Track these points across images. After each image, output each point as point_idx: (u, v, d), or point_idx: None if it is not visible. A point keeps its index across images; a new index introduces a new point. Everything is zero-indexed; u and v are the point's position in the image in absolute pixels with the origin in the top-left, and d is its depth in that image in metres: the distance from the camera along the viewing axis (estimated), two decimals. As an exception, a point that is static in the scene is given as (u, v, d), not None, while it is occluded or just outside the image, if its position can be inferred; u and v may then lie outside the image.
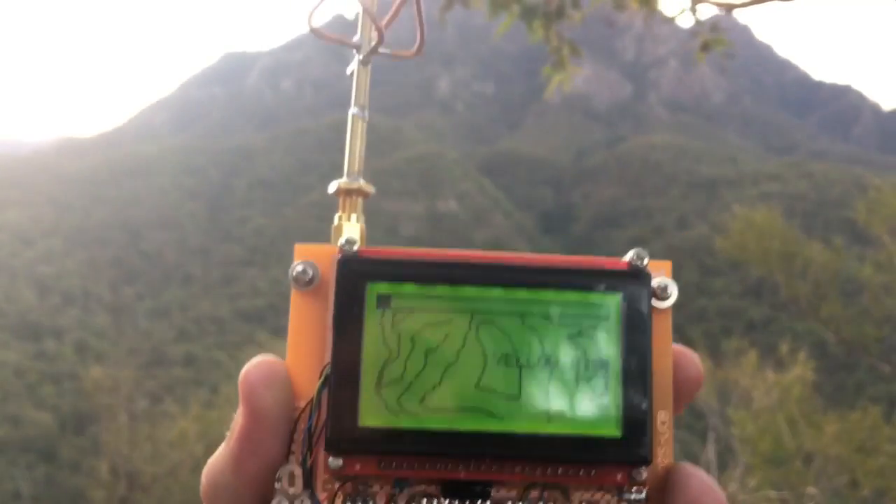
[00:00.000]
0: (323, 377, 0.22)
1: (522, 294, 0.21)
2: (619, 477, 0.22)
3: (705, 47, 2.75)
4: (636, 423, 0.21)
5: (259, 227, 59.21)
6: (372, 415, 0.21)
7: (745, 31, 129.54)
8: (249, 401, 0.23)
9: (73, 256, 53.72)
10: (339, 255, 0.23)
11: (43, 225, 56.90)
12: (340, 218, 0.26)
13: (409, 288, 0.21)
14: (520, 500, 0.21)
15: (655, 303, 0.23)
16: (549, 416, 0.21)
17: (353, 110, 0.30)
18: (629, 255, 0.23)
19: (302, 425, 0.22)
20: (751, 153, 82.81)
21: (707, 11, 2.68)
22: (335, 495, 0.22)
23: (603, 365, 0.21)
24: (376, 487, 0.21)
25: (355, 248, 0.23)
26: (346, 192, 0.27)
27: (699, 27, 2.73)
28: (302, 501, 0.21)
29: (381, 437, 0.21)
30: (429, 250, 0.24)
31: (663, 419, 0.24)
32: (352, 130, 0.30)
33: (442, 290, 0.21)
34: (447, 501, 0.21)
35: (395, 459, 0.21)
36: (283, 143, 72.64)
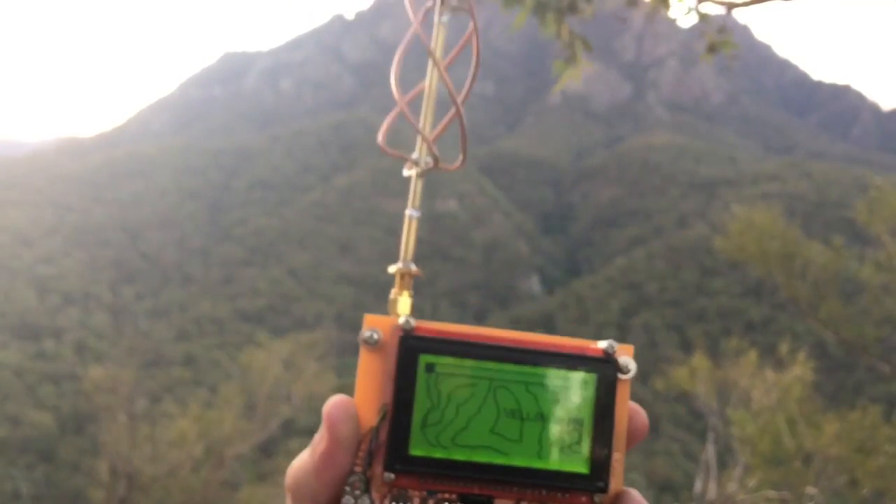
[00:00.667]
0: (382, 414, 0.32)
1: (527, 369, 0.33)
2: (584, 499, 0.33)
3: (712, 49, 2.72)
4: (599, 464, 0.32)
5: (259, 227, 59.16)
6: (417, 447, 0.32)
7: (744, 31, 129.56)
8: (331, 430, 0.32)
9: (73, 257, 53.67)
10: (401, 333, 0.33)
11: (43, 225, 56.87)
12: (396, 293, 0.36)
13: (448, 360, 0.33)
14: None
15: (620, 376, 0.34)
16: (540, 455, 0.32)
17: (409, 211, 0.39)
18: (604, 345, 0.34)
19: (364, 447, 0.32)
20: (750, 153, 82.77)
21: (710, 11, 2.65)
22: (384, 497, 0.32)
23: (580, 422, 0.32)
24: (413, 494, 0.32)
25: (412, 325, 0.33)
26: (401, 275, 0.37)
27: (705, 26, 2.70)
28: (362, 500, 0.32)
29: (423, 462, 0.32)
30: (467, 329, 0.35)
31: (617, 458, 0.33)
32: (407, 228, 0.38)
33: (470, 363, 0.33)
34: None
35: (430, 477, 0.32)
36: (283, 144, 72.59)
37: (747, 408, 8.21)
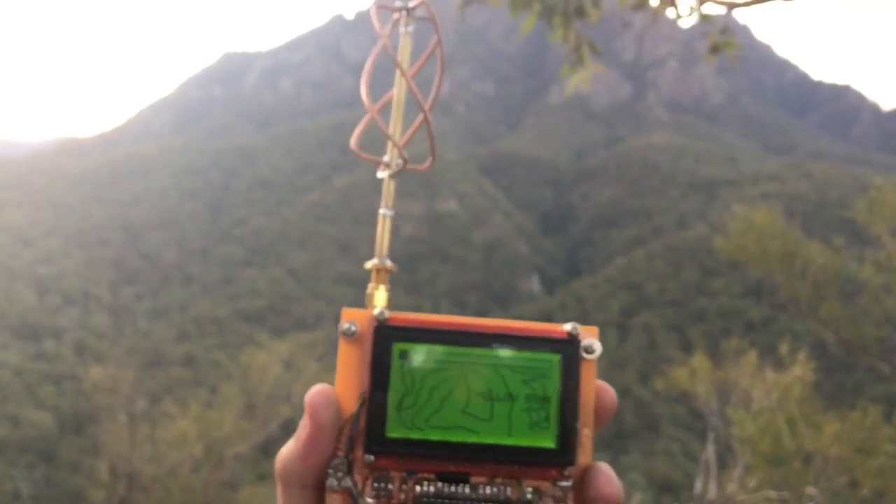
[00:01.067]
0: (361, 401, 0.35)
1: (495, 352, 0.35)
2: (554, 472, 0.35)
3: (715, 49, 2.70)
4: (566, 439, 0.35)
5: (259, 227, 59.14)
6: (394, 429, 0.34)
7: (744, 31, 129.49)
8: (313, 417, 0.35)
9: (73, 257, 53.67)
10: (376, 323, 0.35)
11: (43, 225, 56.86)
12: (373, 288, 0.39)
13: (421, 347, 0.35)
14: (488, 485, 0.35)
15: (585, 356, 0.36)
16: (510, 432, 0.35)
17: (382, 210, 0.40)
18: (568, 327, 0.36)
19: (346, 432, 0.35)
20: (750, 153, 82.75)
21: (711, 11, 2.64)
22: (366, 478, 0.35)
23: (547, 399, 0.35)
24: (393, 474, 0.35)
25: (386, 316, 0.35)
26: (377, 270, 0.39)
27: (707, 27, 2.69)
28: (345, 481, 0.34)
29: (400, 444, 0.34)
30: (438, 318, 0.37)
31: (586, 433, 0.36)
32: (382, 226, 0.40)
33: (442, 348, 0.35)
34: (440, 484, 0.35)
35: (408, 458, 0.34)
36: (283, 143, 72.55)
37: (747, 408, 8.21)
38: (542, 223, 69.76)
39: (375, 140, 0.39)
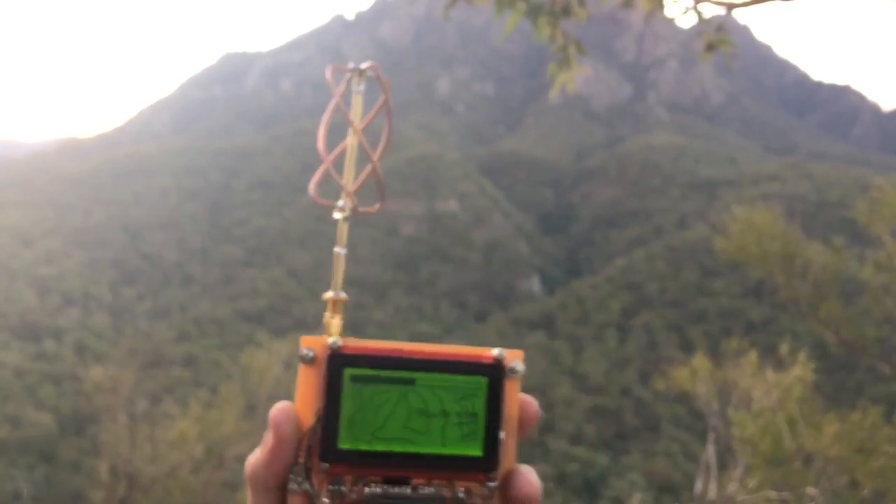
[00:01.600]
0: (317, 417, 0.41)
1: (431, 376, 0.41)
2: (481, 476, 0.42)
3: (710, 48, 2.70)
4: (491, 448, 0.41)
5: (259, 227, 59.13)
6: (345, 441, 0.40)
7: (744, 31, 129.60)
8: (276, 430, 0.41)
9: (73, 257, 53.66)
10: (329, 351, 0.41)
11: (43, 226, 56.86)
12: (329, 317, 0.44)
13: (368, 371, 0.41)
14: (426, 485, 0.41)
15: (510, 375, 0.42)
16: (443, 443, 0.41)
17: (336, 249, 0.46)
18: (495, 352, 0.42)
19: (304, 443, 0.41)
20: (750, 154, 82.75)
21: (709, 11, 2.64)
22: (322, 483, 0.41)
23: (475, 415, 0.41)
24: (346, 479, 0.41)
25: (339, 344, 0.41)
26: (333, 301, 0.44)
27: (704, 26, 2.68)
28: (304, 485, 0.40)
29: (350, 454, 0.40)
30: (386, 344, 0.42)
31: (509, 443, 0.42)
32: (336, 262, 0.45)
33: (386, 373, 0.41)
34: (386, 485, 0.41)
35: (357, 465, 0.41)
36: (283, 144, 72.50)
37: (748, 408, 8.20)
38: (543, 223, 69.75)
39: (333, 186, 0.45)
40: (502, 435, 0.42)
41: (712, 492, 8.43)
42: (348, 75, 0.45)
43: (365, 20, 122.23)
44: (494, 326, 48.69)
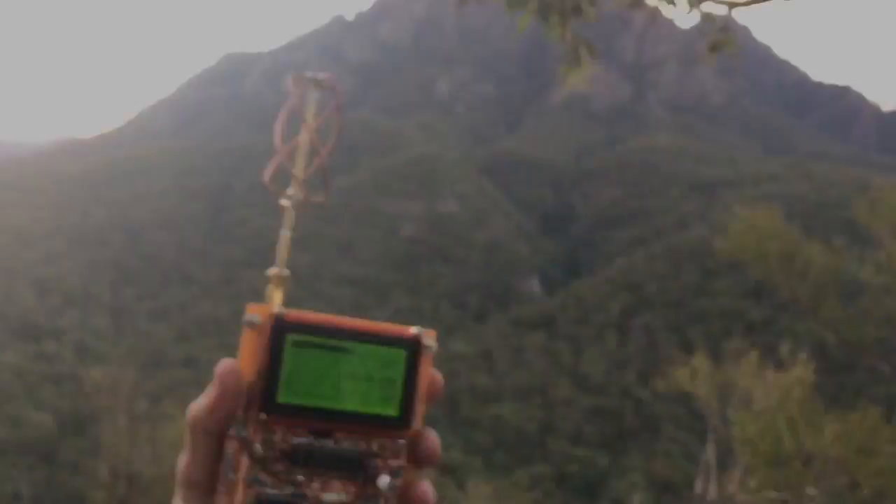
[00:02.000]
0: (259, 374, 0.45)
1: (362, 345, 0.47)
2: (395, 433, 0.48)
3: (714, 47, 2.70)
4: (406, 409, 0.47)
5: (259, 228, 59.09)
6: (283, 396, 0.45)
7: (744, 31, 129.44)
8: (220, 380, 0.45)
9: (73, 258, 53.67)
10: (274, 320, 0.46)
11: (43, 226, 56.87)
12: (272, 290, 0.51)
13: (307, 337, 0.46)
14: (346, 439, 0.47)
15: (425, 351, 0.48)
16: (366, 403, 0.47)
17: (283, 231, 0.52)
18: (414, 330, 0.48)
19: (245, 396, 0.45)
20: (751, 154, 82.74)
21: (712, 10, 2.64)
22: (257, 431, 0.45)
23: (395, 381, 0.47)
24: (277, 429, 0.46)
25: (283, 312, 0.46)
26: (277, 277, 0.51)
27: (708, 26, 2.68)
28: (242, 432, 0.45)
29: (285, 407, 0.45)
30: (325, 317, 0.47)
31: (420, 408, 0.48)
32: (280, 246, 0.52)
33: (321, 339, 0.46)
34: (312, 437, 0.46)
35: (290, 418, 0.45)
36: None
37: (748, 409, 8.20)
38: (543, 224, 69.75)
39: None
40: (415, 400, 0.48)
41: (712, 492, 8.43)
42: (307, 83, 0.51)
43: (365, 20, 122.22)
44: (494, 327, 48.69)
